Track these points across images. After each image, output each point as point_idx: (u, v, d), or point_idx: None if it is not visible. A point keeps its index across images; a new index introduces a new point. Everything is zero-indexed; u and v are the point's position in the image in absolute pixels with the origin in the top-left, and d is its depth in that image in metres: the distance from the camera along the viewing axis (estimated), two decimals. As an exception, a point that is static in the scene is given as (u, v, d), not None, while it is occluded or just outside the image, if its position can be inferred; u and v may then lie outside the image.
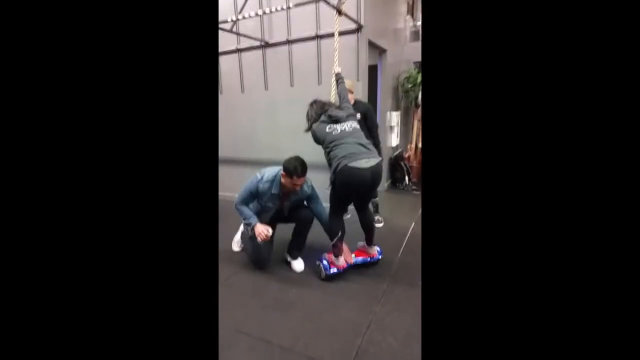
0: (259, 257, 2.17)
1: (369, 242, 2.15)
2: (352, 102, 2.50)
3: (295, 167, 1.91)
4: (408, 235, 2.64)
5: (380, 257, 2.19)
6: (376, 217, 2.84)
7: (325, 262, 2.04)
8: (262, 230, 1.99)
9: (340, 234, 2.02)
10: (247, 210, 2.07)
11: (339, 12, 2.40)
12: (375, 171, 1.89)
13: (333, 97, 2.36)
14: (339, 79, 2.28)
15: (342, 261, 2.04)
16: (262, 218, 2.09)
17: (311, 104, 2.19)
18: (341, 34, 2.54)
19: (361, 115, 2.56)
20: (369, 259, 2.17)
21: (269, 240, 2.18)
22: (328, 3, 2.33)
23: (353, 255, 2.15)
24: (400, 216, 3.04)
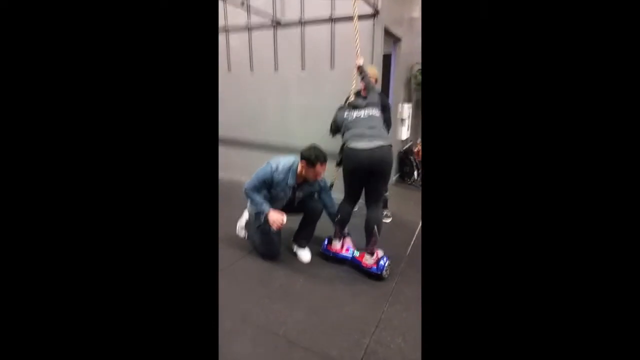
0: (269, 248, 2.12)
1: (367, 247, 1.94)
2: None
3: (317, 156, 1.88)
4: (417, 231, 2.59)
5: (382, 272, 1.87)
6: (385, 212, 2.78)
7: (326, 241, 2.10)
8: (277, 218, 1.93)
9: (339, 216, 2.02)
10: (259, 197, 2.01)
11: (360, -6, 2.27)
12: (376, 154, 1.81)
13: (354, 91, 2.27)
14: (362, 72, 2.18)
15: (336, 245, 2.05)
16: (273, 207, 2.02)
17: (338, 109, 2.24)
18: (358, 19, 2.42)
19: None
20: (363, 266, 1.93)
21: (278, 232, 2.12)
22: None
23: (352, 251, 2.05)
24: (408, 212, 2.98)
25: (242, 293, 1.76)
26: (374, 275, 1.90)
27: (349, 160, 1.89)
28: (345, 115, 2.07)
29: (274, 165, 2.00)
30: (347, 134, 1.97)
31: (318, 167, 1.89)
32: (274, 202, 2.04)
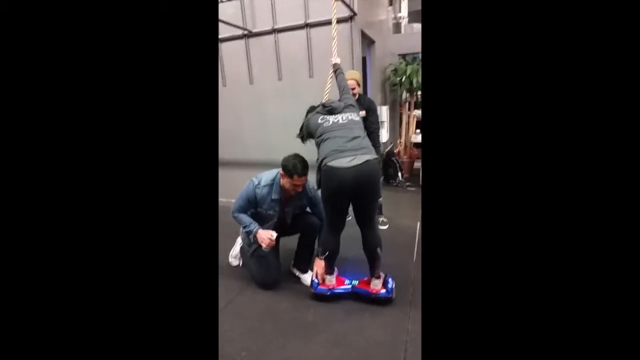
0: (267, 275, 1.92)
1: (372, 272, 1.71)
2: (356, 96, 2.29)
3: (295, 165, 1.68)
4: (417, 236, 2.51)
5: (390, 295, 1.69)
6: (380, 219, 2.67)
7: (315, 278, 1.75)
8: (265, 236, 1.76)
9: (327, 252, 1.70)
10: (246, 217, 1.85)
11: (338, -3, 2.18)
12: (362, 172, 1.51)
13: (328, 91, 2.13)
14: (337, 69, 2.05)
15: (332, 280, 1.75)
16: (265, 228, 1.85)
17: (308, 111, 1.95)
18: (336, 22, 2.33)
19: (366, 111, 2.37)
20: (372, 293, 1.71)
21: (276, 255, 1.94)
22: (328, -14, 2.10)
23: (350, 281, 1.80)
24: (402, 215, 2.90)
25: (250, 333, 1.57)
26: (383, 301, 1.71)
27: (330, 182, 1.56)
28: (319, 121, 1.73)
29: (256, 181, 1.85)
30: (323, 147, 1.63)
31: (296, 178, 1.70)
32: (263, 222, 1.87)
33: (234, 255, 2.20)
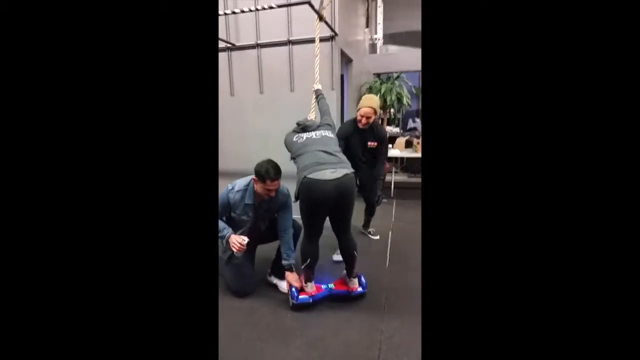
0: (242, 283, 1.95)
1: (349, 273, 1.85)
2: (368, 123, 2.26)
3: (267, 170, 1.70)
4: (389, 243, 2.64)
5: (365, 290, 1.87)
6: (370, 230, 2.79)
7: (294, 291, 1.80)
8: (236, 240, 1.78)
9: (309, 261, 1.77)
10: (221, 223, 1.87)
11: (320, 18, 2.33)
12: (343, 185, 1.61)
13: (312, 114, 2.23)
14: (319, 94, 2.18)
15: (312, 287, 1.82)
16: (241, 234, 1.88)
17: (287, 134, 1.99)
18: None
19: (377, 142, 2.38)
20: (348, 292, 1.86)
21: (251, 264, 1.99)
22: (312, 7, 2.24)
23: (326, 285, 1.88)
24: (375, 225, 3.01)
25: (228, 338, 1.59)
26: (359, 296, 1.87)
27: (312, 193, 1.62)
28: (294, 139, 1.84)
29: (230, 186, 1.89)
30: (300, 162, 1.72)
31: (268, 183, 1.72)
32: (237, 228, 1.91)
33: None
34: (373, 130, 2.35)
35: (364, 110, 2.21)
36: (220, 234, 1.85)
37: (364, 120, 2.24)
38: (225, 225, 1.87)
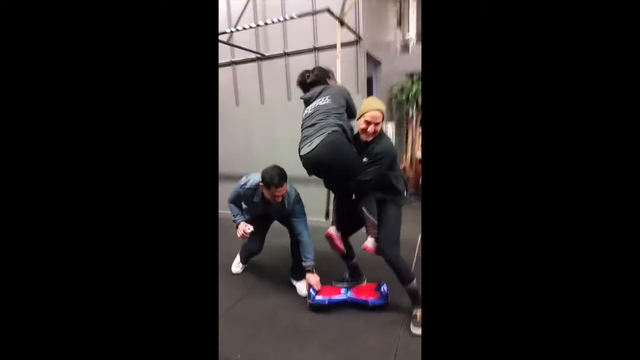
0: (251, 244, 2.17)
1: (367, 231, 1.71)
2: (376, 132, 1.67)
3: (272, 177, 1.72)
4: (417, 249, 2.57)
5: (383, 302, 1.77)
6: None
7: (312, 291, 1.80)
8: (241, 228, 1.96)
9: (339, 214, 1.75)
10: (235, 209, 2.04)
11: (342, 24, 2.36)
12: (315, 154, 1.45)
13: None
14: None
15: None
16: (251, 216, 2.07)
17: None
18: (341, 46, 2.50)
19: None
20: (365, 301, 1.78)
21: (257, 242, 2.17)
22: (332, 14, 2.28)
23: (345, 289, 1.86)
24: (403, 229, 2.94)
25: (248, 337, 1.66)
26: (379, 308, 1.79)
27: (307, 170, 1.61)
28: (303, 116, 1.68)
29: (243, 180, 1.97)
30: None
31: (273, 189, 1.74)
32: (251, 214, 2.07)
33: (236, 264, 2.32)
34: (382, 143, 1.64)
35: (372, 114, 1.56)
36: (233, 218, 2.03)
37: (371, 129, 1.59)
38: (239, 211, 2.03)
